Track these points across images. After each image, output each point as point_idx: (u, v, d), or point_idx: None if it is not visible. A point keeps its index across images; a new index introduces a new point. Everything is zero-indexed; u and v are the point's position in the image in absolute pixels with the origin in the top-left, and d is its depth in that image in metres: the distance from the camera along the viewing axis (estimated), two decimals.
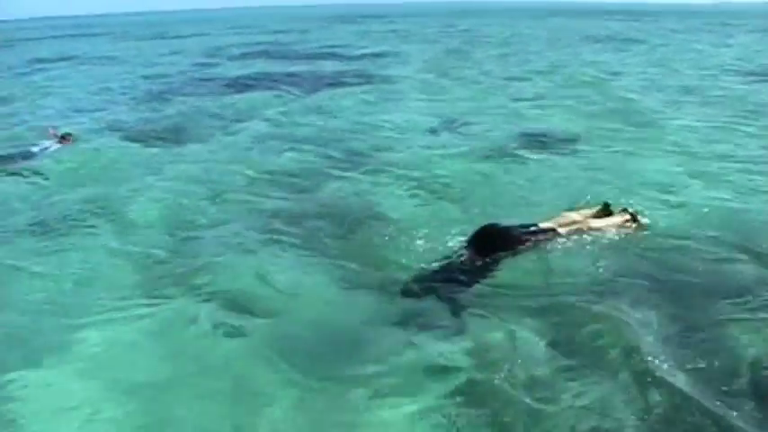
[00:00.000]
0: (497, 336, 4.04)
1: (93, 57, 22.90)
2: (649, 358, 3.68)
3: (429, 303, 4.46)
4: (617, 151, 8.47)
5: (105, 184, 8.02)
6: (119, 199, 7.23)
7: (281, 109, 12.52)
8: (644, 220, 5.77)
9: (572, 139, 9.20)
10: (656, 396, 3.38)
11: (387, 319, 4.34)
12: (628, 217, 5.74)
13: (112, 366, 4.02)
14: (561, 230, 5.39)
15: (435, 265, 4.92)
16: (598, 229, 5.55)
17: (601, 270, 4.89)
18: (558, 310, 4.29)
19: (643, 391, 3.43)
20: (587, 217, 5.78)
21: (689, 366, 3.62)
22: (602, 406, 3.35)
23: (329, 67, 17.48)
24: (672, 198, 6.57)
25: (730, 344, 3.83)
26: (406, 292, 4.60)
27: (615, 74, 14.68)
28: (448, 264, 4.92)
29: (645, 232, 5.62)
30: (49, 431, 3.48)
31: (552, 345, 3.93)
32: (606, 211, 5.89)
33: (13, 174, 8.55)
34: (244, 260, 5.49)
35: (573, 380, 3.57)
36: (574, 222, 5.58)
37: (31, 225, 6.64)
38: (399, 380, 3.69)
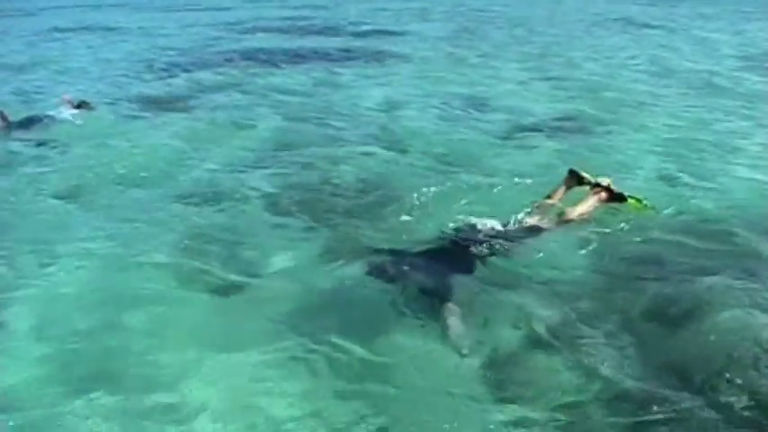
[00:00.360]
0: (483, 324, 4.30)
1: (109, 27, 23.09)
2: (623, 350, 3.95)
3: (418, 282, 4.57)
4: (612, 137, 8.58)
5: (112, 150, 8.41)
6: (123, 167, 7.63)
7: (282, 84, 12.79)
8: (621, 191, 5.70)
9: (569, 122, 9.38)
10: (627, 387, 3.62)
11: (379, 293, 4.56)
12: (602, 192, 5.63)
13: (101, 330, 4.39)
14: (544, 225, 5.32)
15: (426, 244, 5.08)
16: (581, 217, 5.46)
17: (583, 263, 5.05)
18: (539, 304, 4.50)
19: (614, 382, 3.68)
20: (563, 194, 5.81)
21: (667, 360, 3.85)
22: (576, 396, 3.61)
23: (336, 43, 17.58)
24: (665, 185, 6.68)
25: (712, 336, 3.98)
26: (395, 270, 4.66)
27: (621, 59, 14.59)
28: (438, 244, 5.02)
29: (622, 202, 5.65)
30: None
31: (531, 334, 4.18)
32: (578, 179, 5.82)
33: (25, 140, 8.94)
34: (241, 233, 5.85)
35: (549, 371, 3.84)
36: (551, 210, 5.54)
37: (32, 190, 7.12)
38: (383, 355, 4.01)
